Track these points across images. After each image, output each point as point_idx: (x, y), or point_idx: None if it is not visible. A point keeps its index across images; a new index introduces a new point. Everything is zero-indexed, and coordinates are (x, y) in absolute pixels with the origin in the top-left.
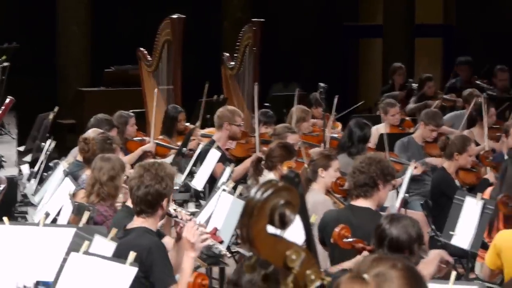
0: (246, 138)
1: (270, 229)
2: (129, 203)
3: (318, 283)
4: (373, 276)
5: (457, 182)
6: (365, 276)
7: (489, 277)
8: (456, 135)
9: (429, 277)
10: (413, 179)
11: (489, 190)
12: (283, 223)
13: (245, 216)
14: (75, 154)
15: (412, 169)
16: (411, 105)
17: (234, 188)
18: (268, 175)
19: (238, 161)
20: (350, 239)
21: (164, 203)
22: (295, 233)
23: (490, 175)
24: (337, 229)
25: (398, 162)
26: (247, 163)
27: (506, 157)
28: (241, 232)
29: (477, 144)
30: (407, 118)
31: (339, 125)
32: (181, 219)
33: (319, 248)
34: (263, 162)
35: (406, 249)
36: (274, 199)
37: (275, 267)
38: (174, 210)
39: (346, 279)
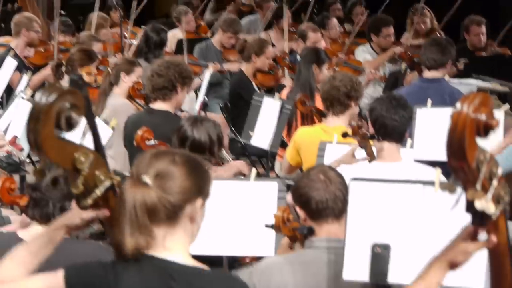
0: (44, 46)
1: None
2: None
3: (107, 183)
4: (154, 177)
5: (254, 85)
6: (146, 179)
7: (288, 171)
8: (253, 37)
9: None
10: (212, 83)
11: (285, 91)
12: (70, 126)
13: (31, 122)
14: None
15: (210, 72)
16: (208, 16)
17: (32, 95)
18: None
19: (36, 68)
20: (153, 142)
21: None
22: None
23: (287, 79)
24: (139, 132)
25: (197, 64)
26: (45, 70)
27: (299, 58)
28: (28, 137)
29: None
30: (203, 24)
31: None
32: None
33: None
34: (63, 67)
35: (207, 150)
36: (59, 102)
37: (65, 170)
38: None
39: (128, 185)
